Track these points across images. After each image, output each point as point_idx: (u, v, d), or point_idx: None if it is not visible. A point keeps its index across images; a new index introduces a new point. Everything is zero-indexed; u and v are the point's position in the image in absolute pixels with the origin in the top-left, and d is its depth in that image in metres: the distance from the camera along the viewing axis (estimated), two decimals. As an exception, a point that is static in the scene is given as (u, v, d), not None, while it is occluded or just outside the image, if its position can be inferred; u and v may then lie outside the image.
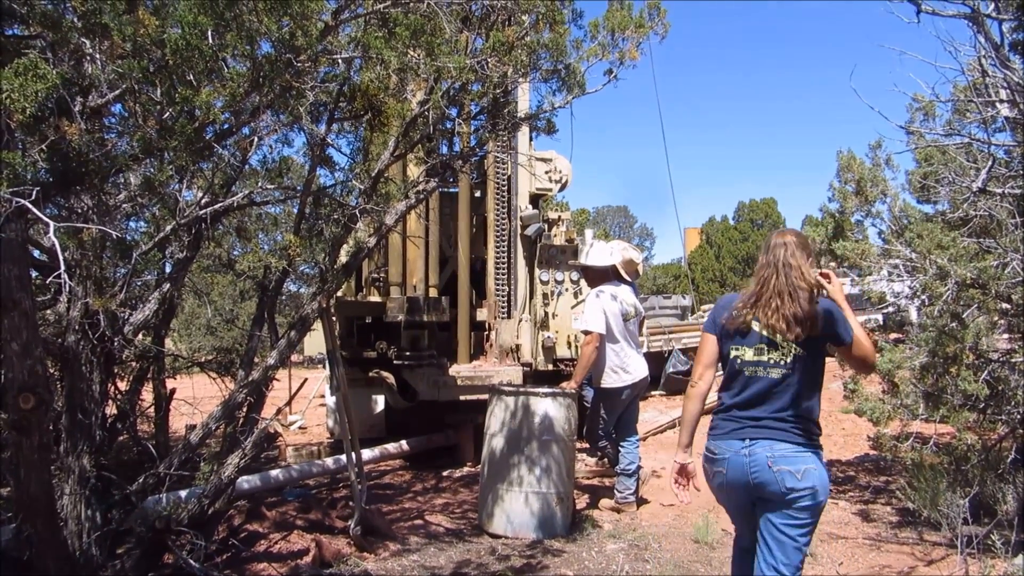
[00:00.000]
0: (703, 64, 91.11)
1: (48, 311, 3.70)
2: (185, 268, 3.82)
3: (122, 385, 4.07)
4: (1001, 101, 3.90)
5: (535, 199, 7.41)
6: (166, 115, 2.88)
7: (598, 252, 5.48)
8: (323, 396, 9.62)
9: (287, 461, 6.46)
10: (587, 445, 5.73)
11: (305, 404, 10.14)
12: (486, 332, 7.13)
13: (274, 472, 5.36)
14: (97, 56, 2.80)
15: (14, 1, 2.71)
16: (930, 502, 4.30)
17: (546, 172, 7.37)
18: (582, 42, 4.29)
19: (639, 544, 4.46)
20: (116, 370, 3.86)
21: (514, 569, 4.01)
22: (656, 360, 10.17)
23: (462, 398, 6.59)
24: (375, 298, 6.94)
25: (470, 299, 7.06)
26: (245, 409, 3.83)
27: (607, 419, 5.28)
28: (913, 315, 5.31)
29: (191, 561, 3.43)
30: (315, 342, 8.84)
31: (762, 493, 2.57)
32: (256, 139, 3.41)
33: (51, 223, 2.41)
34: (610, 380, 5.21)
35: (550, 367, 7.09)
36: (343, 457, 5.36)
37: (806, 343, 2.56)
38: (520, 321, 7.04)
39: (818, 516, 2.61)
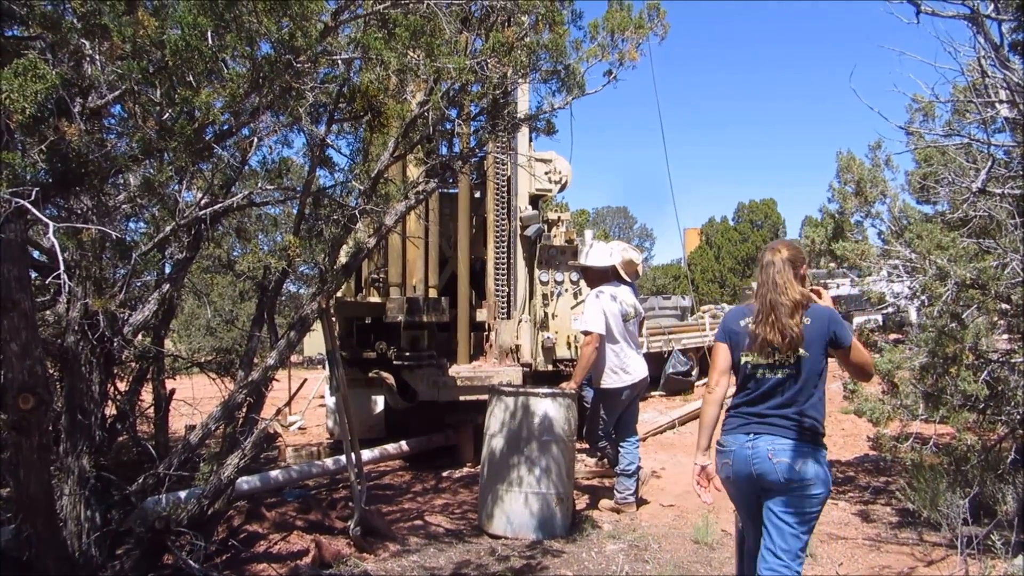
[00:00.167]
0: (703, 64, 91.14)
1: (48, 312, 3.70)
2: (185, 269, 3.82)
3: (122, 386, 4.07)
4: (1001, 102, 3.90)
5: (535, 200, 7.41)
6: (166, 116, 2.88)
7: (598, 253, 5.48)
8: (323, 397, 9.62)
9: (287, 462, 6.46)
10: (587, 445, 5.73)
11: (305, 405, 10.14)
12: (486, 333, 7.13)
13: (274, 473, 5.36)
14: (97, 57, 2.80)
15: (14, 2, 2.71)
16: (930, 503, 4.31)
17: (546, 173, 7.37)
18: (582, 43, 4.30)
19: (639, 545, 4.46)
20: (116, 370, 3.86)
21: (514, 570, 4.01)
22: (656, 361, 10.17)
23: (462, 398, 6.59)
24: (375, 299, 6.94)
25: (470, 300, 7.06)
26: (245, 410, 3.83)
27: (607, 419, 5.28)
28: (913, 315, 5.32)
29: (190, 562, 3.43)
30: (315, 343, 8.87)
31: (763, 483, 2.75)
32: (256, 140, 3.41)
33: (50, 224, 2.42)
34: (610, 380, 5.21)
35: (550, 367, 7.09)
36: (343, 458, 5.36)
37: (810, 345, 2.74)
38: (520, 322, 7.04)
39: (818, 508, 2.74)
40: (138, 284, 3.84)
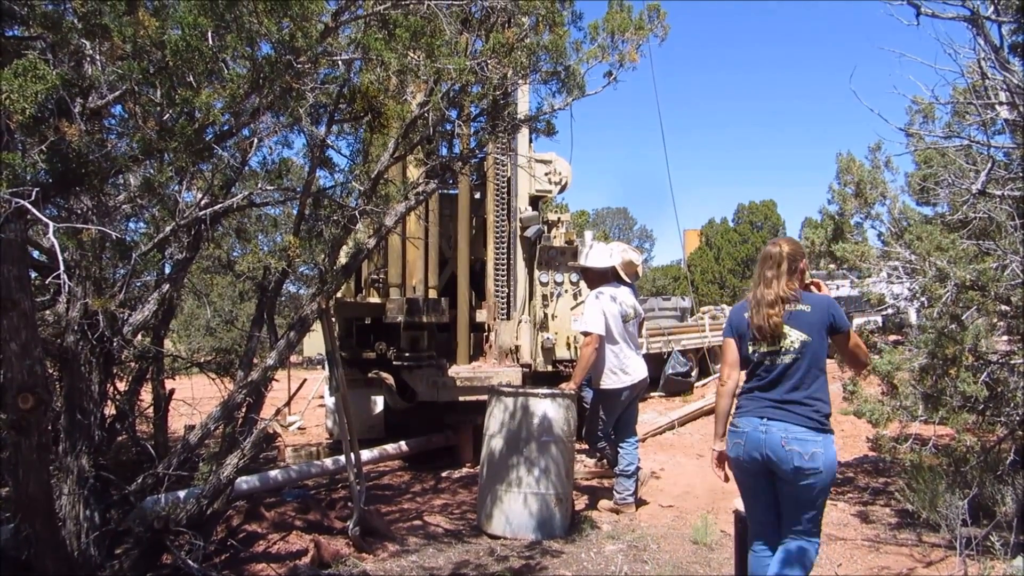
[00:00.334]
0: (703, 65, 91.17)
1: (47, 311, 3.70)
2: (184, 269, 3.82)
3: (121, 385, 4.07)
4: (1000, 103, 3.91)
5: (535, 201, 7.41)
6: (166, 116, 2.89)
7: (597, 254, 5.48)
8: (322, 397, 9.62)
9: (286, 462, 6.46)
10: (586, 446, 5.74)
11: (304, 405, 10.14)
12: (485, 333, 7.13)
13: (273, 473, 5.36)
14: (97, 57, 2.80)
15: (14, 2, 2.71)
16: (929, 504, 4.31)
17: (546, 174, 7.37)
18: (582, 44, 4.30)
19: (638, 545, 4.46)
20: (115, 370, 3.86)
21: (513, 570, 4.01)
22: (655, 362, 10.18)
23: (461, 399, 6.59)
24: (374, 299, 6.94)
25: (469, 300, 7.06)
26: (244, 410, 3.84)
27: (606, 420, 5.28)
28: (912, 317, 5.32)
29: (189, 561, 3.43)
30: (314, 343, 8.87)
31: (772, 467, 2.96)
32: (256, 140, 3.41)
33: (51, 224, 2.42)
34: (609, 381, 5.21)
35: (549, 368, 7.09)
36: (342, 458, 5.36)
37: (811, 330, 2.99)
38: (519, 322, 7.04)
39: (827, 489, 2.98)
40: (138, 284, 3.84)
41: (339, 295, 6.46)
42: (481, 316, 7.13)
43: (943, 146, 4.86)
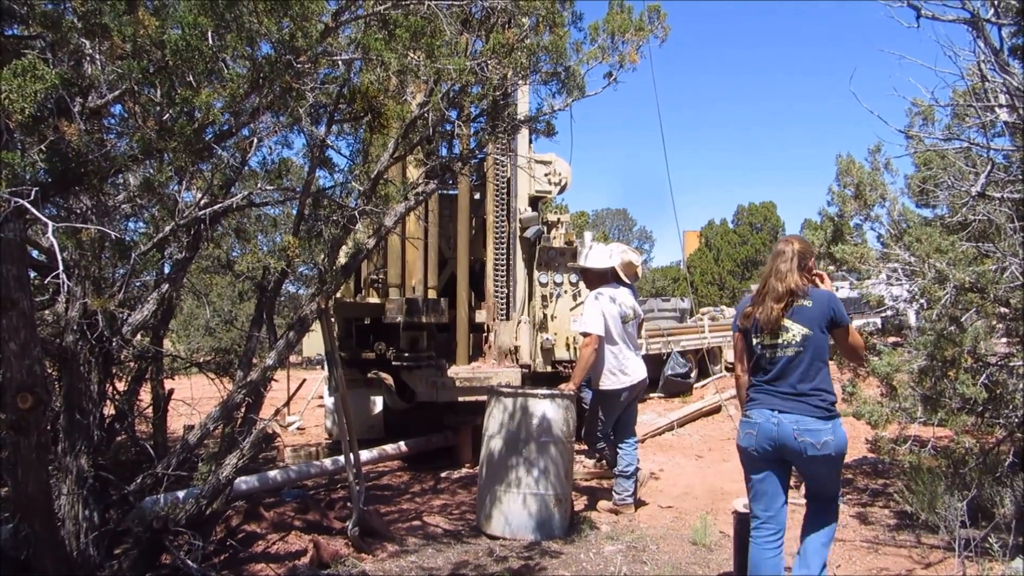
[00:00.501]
0: (703, 66, 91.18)
1: (46, 311, 3.70)
2: (184, 269, 3.82)
3: (120, 385, 4.07)
4: (1000, 106, 3.91)
5: (534, 201, 7.41)
6: (166, 116, 2.88)
7: (597, 254, 5.48)
8: (321, 397, 9.61)
9: (285, 462, 6.46)
10: (585, 447, 5.74)
11: (303, 405, 10.14)
12: (485, 334, 7.13)
13: (272, 473, 5.35)
14: (97, 57, 2.80)
15: (14, 1, 2.71)
16: (928, 505, 4.31)
17: (545, 174, 7.38)
18: (582, 45, 4.30)
19: (637, 546, 4.46)
20: (114, 370, 3.86)
21: (512, 570, 4.01)
22: (655, 362, 10.18)
23: (460, 399, 6.59)
24: (374, 299, 6.94)
25: (469, 301, 7.06)
26: (243, 410, 3.83)
27: (605, 421, 5.28)
28: (911, 319, 5.32)
29: (189, 561, 3.42)
30: (314, 343, 8.87)
31: (785, 455, 3.17)
32: (256, 140, 3.41)
33: (50, 223, 2.42)
34: (608, 382, 5.21)
35: (549, 369, 7.09)
36: (341, 458, 5.36)
37: (812, 324, 3.15)
38: (519, 323, 7.04)
39: (839, 468, 3.28)
40: (137, 284, 3.84)
41: (338, 295, 6.46)
42: (480, 316, 7.13)
43: (943, 148, 4.86)
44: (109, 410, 3.85)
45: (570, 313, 7.21)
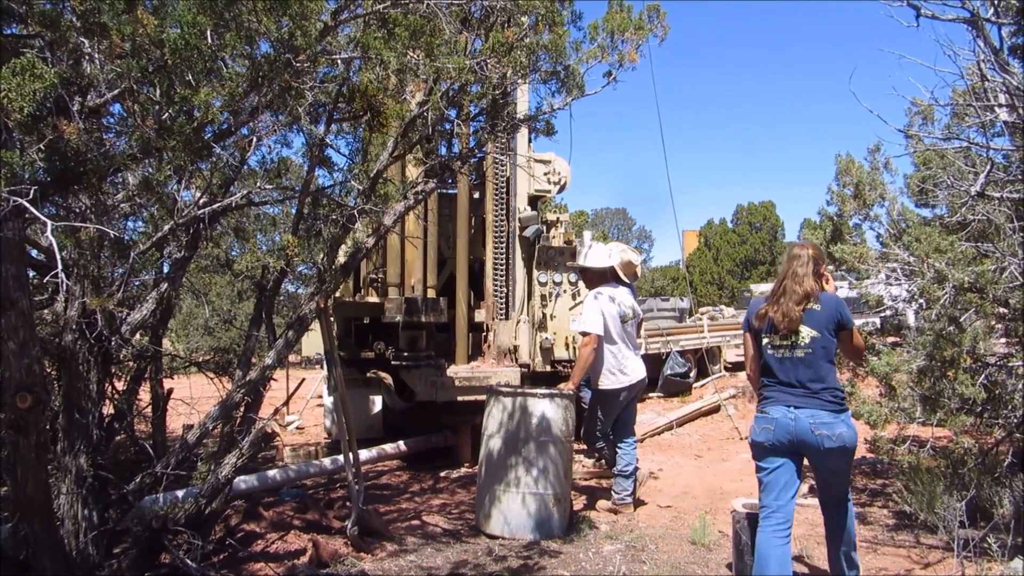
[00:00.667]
0: (702, 66, 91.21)
1: (46, 310, 3.70)
2: (183, 268, 3.82)
3: (119, 385, 4.07)
4: (1000, 105, 3.91)
5: (534, 200, 7.40)
6: (165, 115, 2.88)
7: (596, 254, 5.47)
8: (321, 396, 9.61)
9: (284, 461, 6.46)
10: (584, 446, 5.73)
11: (302, 404, 10.14)
12: (484, 333, 7.13)
13: (271, 472, 5.35)
14: (96, 55, 2.79)
15: (12, 0, 2.71)
16: (927, 505, 4.30)
17: (545, 174, 7.37)
18: (581, 44, 4.29)
19: (636, 545, 4.46)
20: (113, 370, 3.86)
21: (511, 570, 4.01)
22: (654, 362, 10.18)
23: (460, 399, 6.59)
24: (373, 299, 6.94)
25: (468, 300, 7.06)
26: (242, 409, 3.83)
27: (604, 420, 5.28)
28: (911, 319, 5.32)
29: (188, 561, 3.42)
30: (313, 342, 8.87)
31: (802, 449, 3.31)
32: (255, 139, 3.41)
33: (49, 222, 2.41)
34: (608, 381, 5.21)
35: (548, 368, 7.08)
36: (340, 457, 5.36)
37: (820, 327, 3.30)
38: (518, 322, 7.04)
39: (854, 453, 3.38)
40: (136, 283, 3.84)
41: (338, 294, 6.46)
42: (480, 316, 7.13)
43: (942, 148, 4.86)
44: (108, 409, 3.85)
45: (569, 312, 7.20)
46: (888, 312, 5.27)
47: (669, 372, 10.85)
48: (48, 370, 3.54)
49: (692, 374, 11.44)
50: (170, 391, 4.54)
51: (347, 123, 4.20)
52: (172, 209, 3.39)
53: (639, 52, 4.24)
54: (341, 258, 4.23)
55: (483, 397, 5.28)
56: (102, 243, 3.31)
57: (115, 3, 2.69)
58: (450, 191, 7.17)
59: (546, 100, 4.44)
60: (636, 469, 5.37)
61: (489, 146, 5.29)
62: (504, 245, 7.10)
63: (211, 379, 5.01)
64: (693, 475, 6.49)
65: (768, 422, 3.35)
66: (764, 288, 25.03)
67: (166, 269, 3.83)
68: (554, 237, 7.29)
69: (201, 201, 3.43)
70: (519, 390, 5.09)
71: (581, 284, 6.91)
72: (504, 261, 7.09)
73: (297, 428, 9.16)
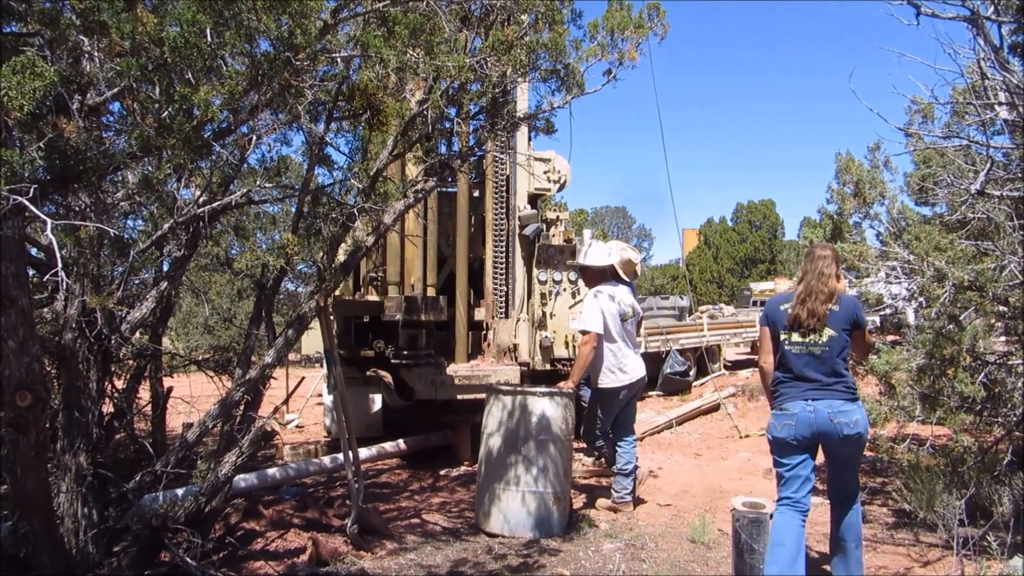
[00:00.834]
0: (702, 65, 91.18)
1: (45, 309, 3.69)
2: (183, 266, 3.82)
3: (119, 383, 4.07)
4: (1000, 104, 3.91)
5: (533, 199, 7.40)
6: (164, 113, 2.88)
7: (596, 252, 5.47)
8: (320, 395, 9.62)
9: (284, 460, 6.46)
10: (584, 445, 5.74)
11: (302, 403, 10.15)
12: (484, 331, 7.13)
13: (271, 471, 5.36)
14: (95, 54, 2.79)
15: (12, -2, 2.70)
16: (926, 503, 4.31)
17: (545, 172, 7.37)
18: (581, 42, 4.29)
19: (635, 544, 4.46)
20: (113, 368, 3.86)
21: (511, 568, 4.01)
22: (654, 361, 10.18)
23: (459, 397, 6.59)
24: (373, 297, 6.94)
25: (468, 299, 7.06)
26: (242, 407, 3.83)
27: (604, 419, 5.28)
28: (910, 317, 5.32)
29: (188, 559, 3.42)
30: (313, 341, 8.87)
31: (821, 439, 3.48)
32: (255, 138, 3.40)
33: (49, 221, 2.41)
34: (607, 380, 5.21)
35: (548, 367, 7.09)
36: (340, 456, 5.36)
37: (837, 326, 3.47)
38: (518, 321, 7.04)
39: (865, 442, 3.58)
40: (136, 282, 3.84)
41: (337, 293, 6.46)
42: (480, 314, 7.13)
43: (942, 146, 4.86)
44: (108, 408, 3.85)
45: (569, 311, 7.20)
46: (888, 310, 5.27)
47: (669, 371, 10.86)
48: (48, 368, 3.54)
49: (692, 373, 11.46)
50: (170, 389, 4.54)
51: (347, 121, 4.19)
52: (172, 207, 3.38)
53: (639, 50, 4.24)
54: (341, 256, 4.23)
55: (483, 396, 5.28)
56: (102, 241, 3.31)
57: (115, 1, 2.69)
58: (450, 189, 7.17)
59: (546, 98, 4.44)
60: (636, 467, 5.38)
61: (489, 144, 5.28)
62: (504, 243, 7.10)
63: (211, 377, 5.01)
64: (692, 473, 6.49)
65: (788, 418, 3.50)
66: (764, 287, 25.06)
67: (166, 267, 3.83)
68: (554, 235, 7.29)
69: (201, 200, 3.43)
70: (519, 389, 5.09)
71: (581, 283, 6.91)
72: (504, 259, 7.09)
73: (297, 426, 9.17)
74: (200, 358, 5.22)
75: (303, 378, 7.27)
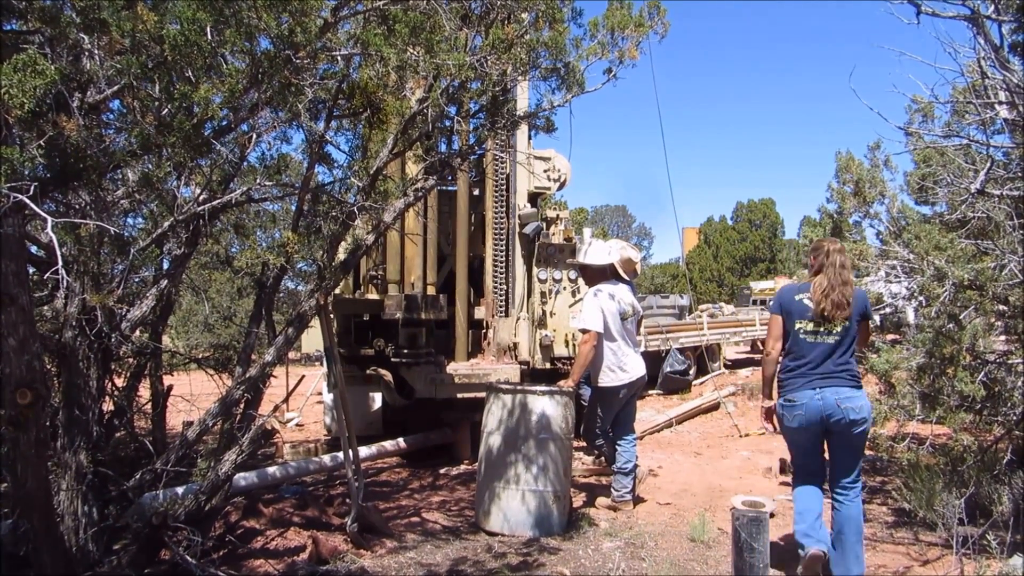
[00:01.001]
0: (703, 64, 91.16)
1: (46, 307, 3.70)
2: (183, 264, 3.82)
3: (119, 381, 4.07)
4: (1000, 103, 3.91)
5: (533, 198, 7.40)
6: (164, 111, 2.88)
7: (596, 251, 5.47)
8: (320, 393, 9.62)
9: (284, 458, 6.46)
10: (584, 444, 5.74)
11: (302, 401, 10.15)
12: (484, 330, 7.13)
13: (271, 469, 5.36)
14: (96, 52, 2.79)
15: (13, -4, 2.70)
16: (926, 502, 4.31)
17: (545, 171, 7.36)
18: (581, 41, 4.29)
19: (635, 542, 4.47)
20: (113, 366, 3.86)
21: (510, 567, 4.01)
22: (654, 359, 10.18)
23: (459, 396, 6.59)
24: (373, 296, 6.94)
25: (468, 297, 7.06)
26: (242, 406, 3.83)
27: (604, 418, 5.28)
28: (910, 316, 5.32)
29: (188, 557, 3.42)
30: (313, 340, 8.87)
31: (829, 425, 3.65)
32: (255, 136, 3.40)
33: (49, 219, 2.41)
34: (607, 379, 5.21)
35: (548, 365, 7.09)
36: (340, 454, 5.36)
37: (848, 317, 3.66)
38: (518, 319, 7.04)
39: (869, 429, 3.75)
40: (136, 280, 3.84)
41: (337, 291, 6.46)
42: (480, 313, 7.13)
43: (942, 145, 4.86)
44: (108, 406, 3.85)
45: (569, 310, 7.20)
46: (888, 309, 5.28)
47: (669, 369, 10.86)
48: (48, 366, 3.54)
49: (691, 371, 11.46)
50: (170, 388, 4.55)
51: (347, 120, 4.19)
52: (172, 205, 3.38)
53: (639, 49, 4.24)
54: (341, 255, 4.23)
55: (483, 394, 5.28)
56: (102, 239, 3.31)
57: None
58: (450, 188, 7.16)
59: (546, 97, 4.44)
60: (635, 466, 5.38)
61: (489, 143, 5.28)
62: (504, 242, 7.09)
63: (211, 376, 5.01)
64: (692, 472, 6.50)
65: (798, 408, 3.68)
66: (764, 285, 25.05)
67: (166, 266, 3.83)
68: (554, 234, 7.29)
69: (201, 198, 3.43)
70: (519, 387, 5.09)
71: (581, 281, 6.90)
72: (504, 258, 7.09)
73: (297, 425, 9.17)
74: (200, 356, 5.22)
75: (303, 376, 7.28)
